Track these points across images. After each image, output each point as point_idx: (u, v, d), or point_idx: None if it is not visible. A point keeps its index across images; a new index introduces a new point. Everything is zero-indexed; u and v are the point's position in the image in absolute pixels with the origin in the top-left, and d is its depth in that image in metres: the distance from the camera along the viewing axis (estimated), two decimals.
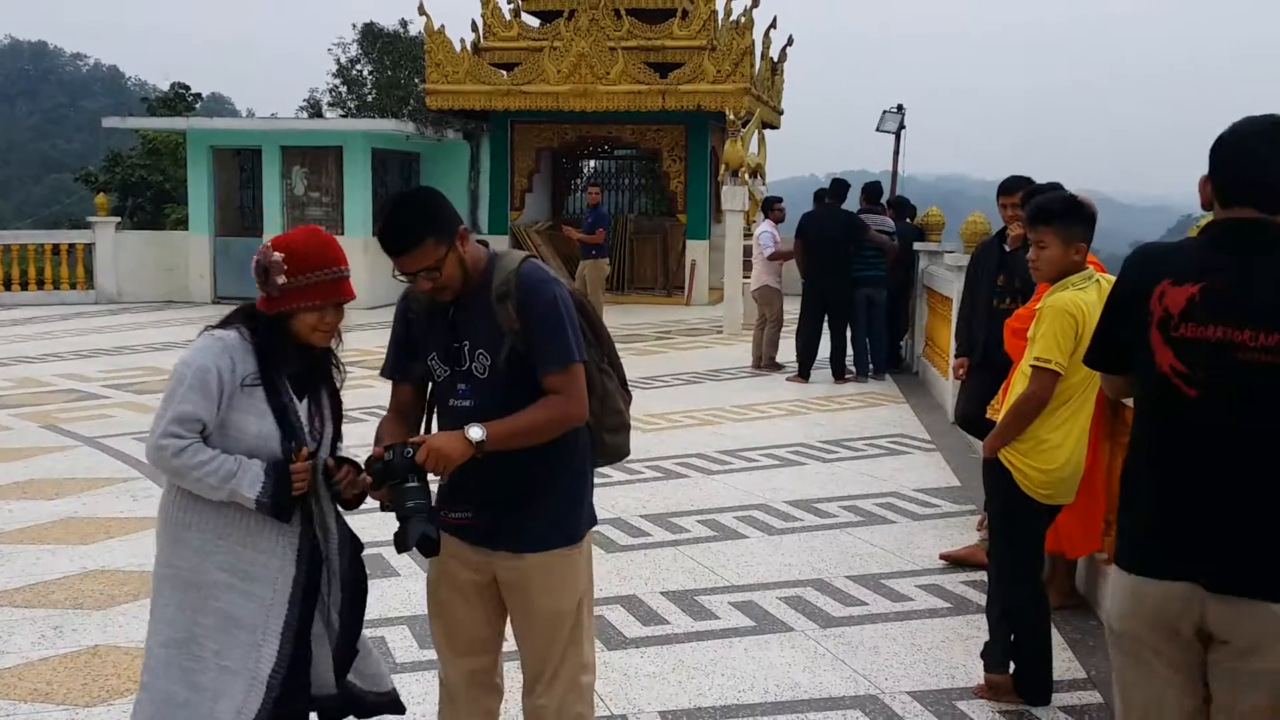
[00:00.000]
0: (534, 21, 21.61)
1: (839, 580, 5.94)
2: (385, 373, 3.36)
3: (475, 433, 3.00)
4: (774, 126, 22.89)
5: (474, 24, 21.21)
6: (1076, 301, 4.29)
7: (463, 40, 20.90)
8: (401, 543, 2.98)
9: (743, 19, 19.90)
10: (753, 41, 19.81)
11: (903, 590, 5.81)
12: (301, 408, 3.22)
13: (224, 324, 3.21)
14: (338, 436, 3.35)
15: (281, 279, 3.09)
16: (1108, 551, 5.49)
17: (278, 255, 3.10)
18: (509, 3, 21.45)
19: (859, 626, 5.30)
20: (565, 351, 3.10)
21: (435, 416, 3.31)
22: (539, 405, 3.08)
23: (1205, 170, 2.77)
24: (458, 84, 20.37)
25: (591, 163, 25.32)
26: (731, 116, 17.82)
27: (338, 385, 3.36)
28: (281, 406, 3.16)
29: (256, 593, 3.15)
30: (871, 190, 13.39)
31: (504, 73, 20.59)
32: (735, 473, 8.33)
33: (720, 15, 20.37)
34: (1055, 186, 5.31)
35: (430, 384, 3.30)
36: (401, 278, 3.10)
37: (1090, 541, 5.42)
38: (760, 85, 20.67)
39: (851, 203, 13.20)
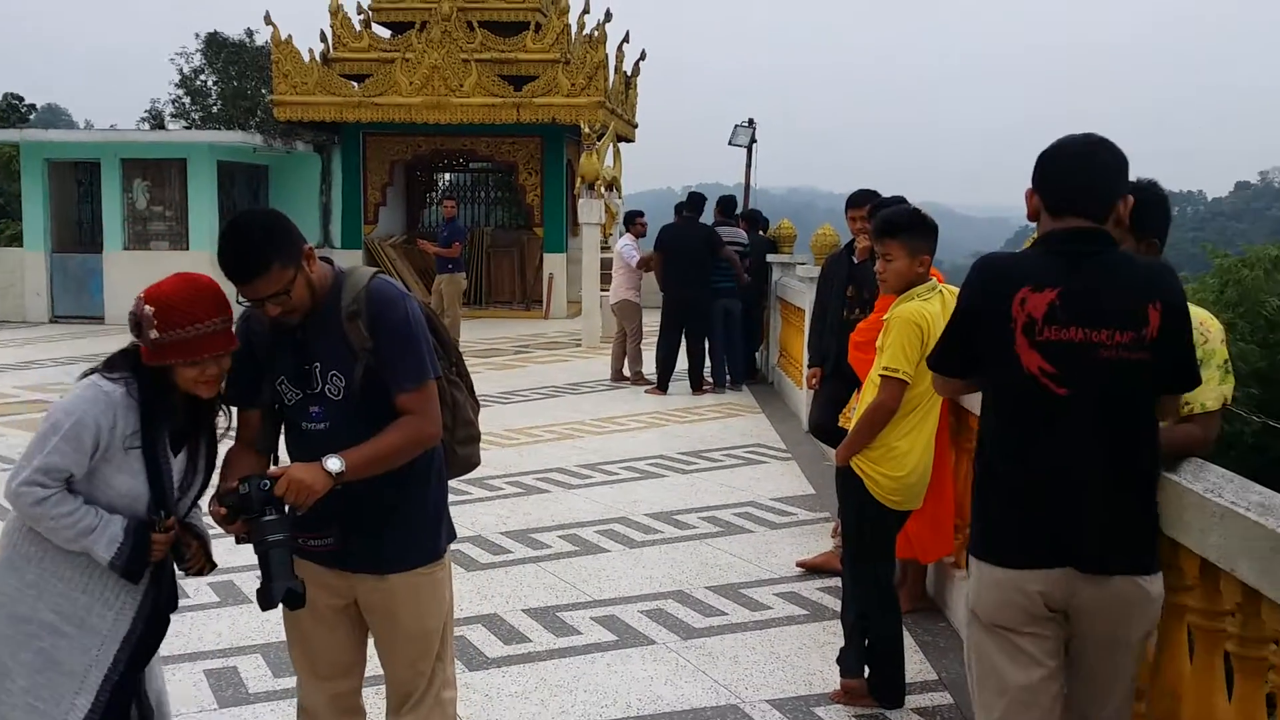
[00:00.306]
0: (385, 33, 21.34)
1: (699, 591, 5.98)
2: (229, 400, 3.21)
3: (334, 464, 2.91)
4: (629, 140, 23.05)
5: (323, 34, 20.83)
6: (922, 312, 4.41)
7: (311, 51, 20.52)
8: (266, 600, 2.87)
9: (595, 33, 20.00)
10: (606, 55, 19.93)
11: (761, 599, 5.88)
12: (177, 462, 3.11)
13: (109, 368, 3.04)
14: (204, 488, 3.23)
15: (154, 334, 2.94)
16: (957, 555, 5.65)
17: (148, 309, 2.94)
18: (359, 14, 21.15)
19: (719, 637, 5.35)
20: (420, 369, 3.05)
21: (287, 441, 3.21)
22: (395, 428, 3.01)
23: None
24: (307, 95, 19.99)
25: (447, 176, 25.09)
26: (586, 130, 17.89)
27: (220, 430, 3.24)
28: (156, 470, 3.04)
29: (85, 642, 3.01)
30: (725, 204, 13.57)
31: (355, 84, 20.27)
32: (595, 486, 8.33)
33: (573, 29, 20.43)
34: (899, 200, 5.47)
35: (279, 408, 3.19)
36: (246, 302, 3.00)
37: (942, 546, 5.57)
38: (614, 99, 20.80)
39: (709, 215, 13.35)
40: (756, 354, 14.12)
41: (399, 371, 3.02)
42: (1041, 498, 2.85)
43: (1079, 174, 2.89)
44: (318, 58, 20.47)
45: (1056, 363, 2.80)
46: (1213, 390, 3.28)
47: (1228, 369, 3.83)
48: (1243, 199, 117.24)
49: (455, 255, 15.27)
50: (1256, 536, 2.79)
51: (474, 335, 16.42)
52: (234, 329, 3.04)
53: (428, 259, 17.57)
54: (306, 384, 3.05)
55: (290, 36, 20.24)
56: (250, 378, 3.14)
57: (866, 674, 4.61)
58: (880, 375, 4.45)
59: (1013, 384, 2.87)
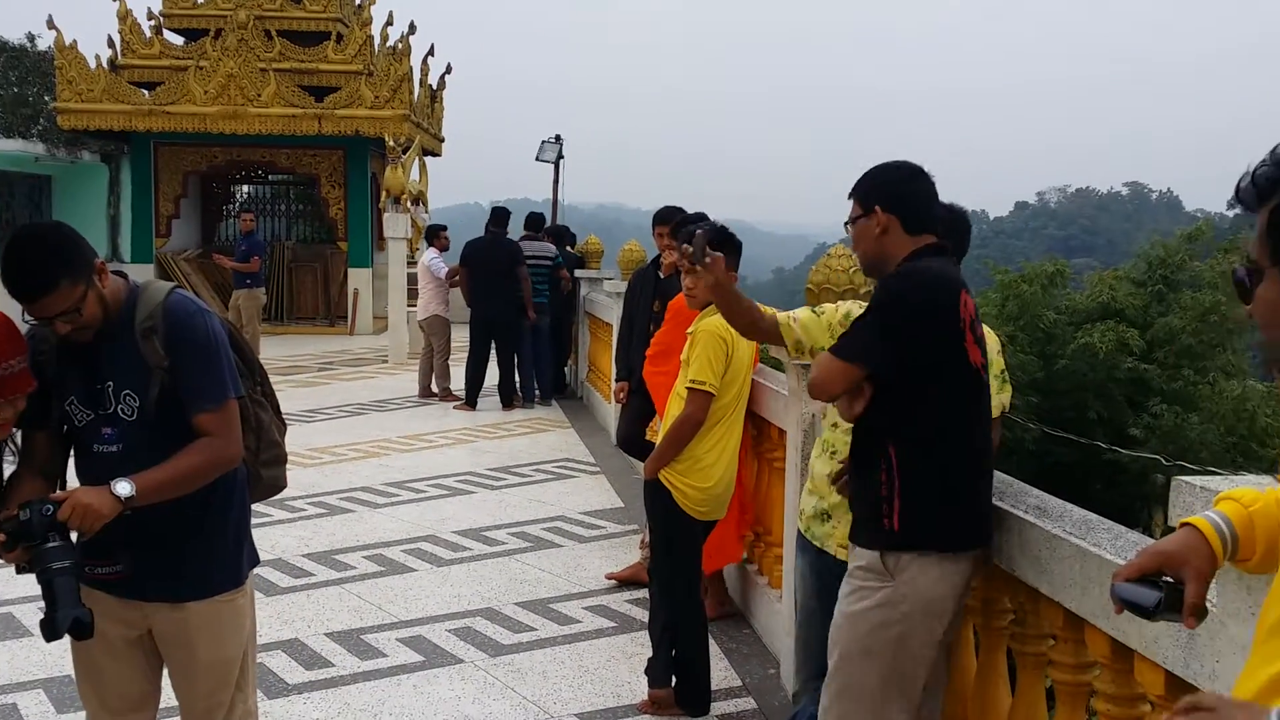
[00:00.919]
0: (178, 40, 20.54)
1: (508, 608, 5.94)
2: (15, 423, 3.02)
3: (123, 488, 2.75)
4: (435, 154, 22.81)
5: (111, 40, 19.90)
6: (726, 325, 4.50)
7: (98, 57, 19.58)
8: (51, 631, 2.69)
9: (400, 46, 19.75)
10: (410, 68, 19.69)
11: (570, 613, 5.89)
12: None
13: None
14: None
15: None
16: (759, 562, 5.78)
17: None
18: (150, 19, 20.28)
19: (528, 653, 5.33)
20: (219, 388, 2.92)
21: (77, 465, 3.03)
22: (192, 450, 2.88)
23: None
24: (93, 103, 19.06)
25: (245, 188, 24.29)
26: (391, 143, 17.63)
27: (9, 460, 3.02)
28: None
29: None
30: (533, 219, 13.54)
31: (146, 92, 19.45)
32: (402, 505, 8.19)
33: (377, 41, 20.11)
34: (702, 217, 5.57)
35: (67, 429, 3.00)
36: (32, 320, 2.83)
37: (730, 553, 5.69)
38: (420, 112, 20.56)
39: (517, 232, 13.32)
40: (565, 369, 14.15)
41: (197, 390, 2.89)
42: (979, 482, 3.09)
43: (933, 198, 3.19)
44: (105, 64, 19.55)
45: (982, 357, 3.08)
46: (992, 399, 3.45)
47: (1005, 378, 4.06)
48: (1021, 218, 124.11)
49: (254, 270, 14.76)
50: (1034, 538, 2.96)
51: (276, 352, 15.95)
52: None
53: (225, 274, 16.96)
54: (98, 404, 2.89)
55: (75, 42, 19.26)
56: (37, 399, 2.93)
57: (674, 683, 4.67)
58: (687, 388, 4.52)
59: (962, 377, 3.04)
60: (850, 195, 3.23)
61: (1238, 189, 1.54)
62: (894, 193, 3.13)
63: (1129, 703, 2.66)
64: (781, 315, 3.72)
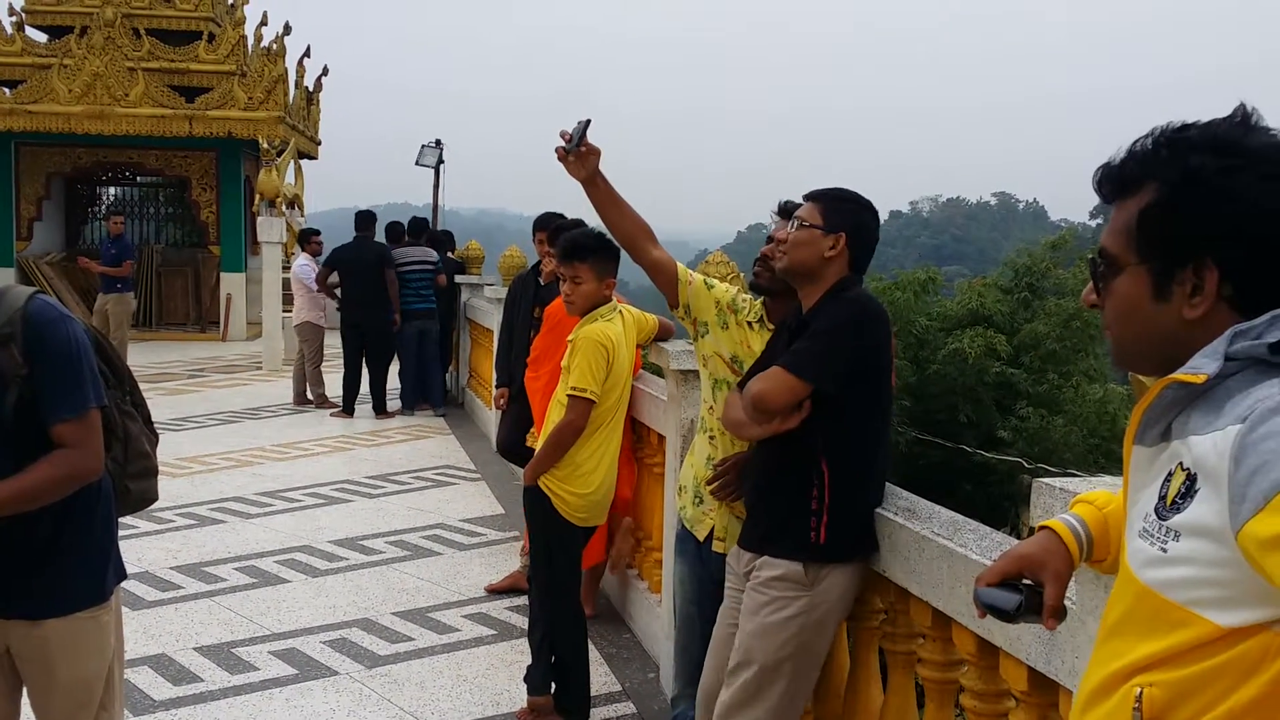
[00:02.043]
0: (41, 37, 19.81)
1: (386, 618, 5.86)
2: None
3: None
4: (311, 156, 22.41)
5: None
6: (606, 332, 4.52)
7: None
8: None
9: (274, 46, 19.35)
10: (285, 69, 19.31)
11: (449, 622, 5.83)
12: None
13: None
14: None
15: None
16: (639, 567, 5.80)
17: None
18: (11, 15, 19.53)
19: (405, 663, 5.26)
20: (79, 397, 2.80)
21: None
22: (46, 463, 2.75)
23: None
24: None
25: (112, 190, 23.48)
26: (265, 145, 17.26)
27: None
28: None
29: None
30: (415, 225, 13.37)
31: (6, 90, 18.71)
32: (276, 515, 8.02)
33: (250, 41, 19.68)
34: (579, 223, 5.58)
35: None
36: None
37: (596, 553, 5.74)
38: (295, 114, 20.17)
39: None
40: (447, 375, 14.00)
41: (57, 400, 2.76)
42: (879, 493, 3.22)
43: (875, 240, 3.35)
44: None
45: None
46: None
47: None
48: (895, 227, 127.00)
49: (126, 274, 14.27)
50: (903, 539, 3.02)
51: (144, 359, 15.47)
52: None
53: (90, 278, 16.37)
54: None
55: None
56: None
57: (553, 690, 4.66)
58: (568, 395, 4.51)
59: (889, 401, 3.22)
60: (812, 201, 3.27)
61: (1097, 179, 1.57)
62: (861, 229, 3.25)
63: (994, 699, 2.74)
64: (682, 267, 3.76)
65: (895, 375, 3.30)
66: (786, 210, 3.58)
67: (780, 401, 3.07)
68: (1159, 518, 1.42)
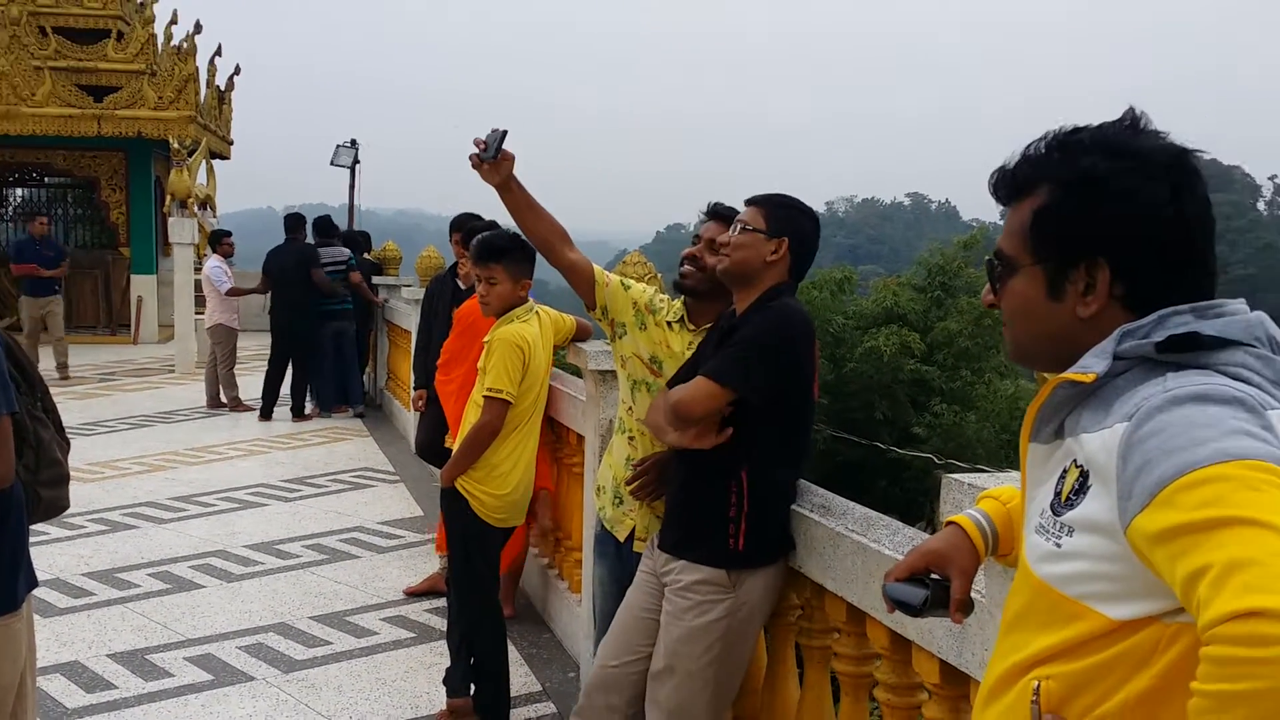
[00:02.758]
0: None
1: (302, 622, 5.80)
2: None
3: None
4: (224, 157, 22.01)
5: None
6: (522, 333, 4.52)
7: None
8: None
9: (185, 45, 18.98)
10: (196, 68, 18.93)
11: (367, 625, 5.78)
12: None
13: None
14: None
15: None
16: (559, 567, 5.81)
17: None
18: None
19: (323, 667, 5.21)
20: None
21: None
22: None
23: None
24: None
25: (19, 190, 22.84)
26: (176, 145, 16.95)
27: None
28: None
29: None
30: (321, 224, 13.19)
31: None
32: (191, 519, 7.88)
33: (160, 40, 19.28)
34: (495, 225, 5.56)
35: None
36: None
37: (515, 554, 5.81)
38: (207, 114, 19.80)
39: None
40: (364, 377, 13.85)
41: None
42: (793, 497, 3.25)
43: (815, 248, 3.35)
44: None
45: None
46: None
47: None
48: None
49: (63, 275, 13.94)
50: (819, 536, 3.07)
51: (53, 363, 15.08)
52: None
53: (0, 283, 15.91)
54: None
55: None
56: None
57: (473, 692, 4.65)
58: (484, 396, 4.51)
59: (808, 412, 3.24)
60: (754, 205, 3.29)
61: (993, 182, 1.61)
62: (804, 237, 3.27)
63: (907, 691, 2.79)
64: (598, 269, 3.77)
65: (818, 385, 3.33)
66: (717, 212, 3.60)
67: (701, 409, 3.09)
68: (1054, 513, 1.46)
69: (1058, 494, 1.47)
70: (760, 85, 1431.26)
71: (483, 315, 4.85)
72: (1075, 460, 1.45)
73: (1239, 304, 1.47)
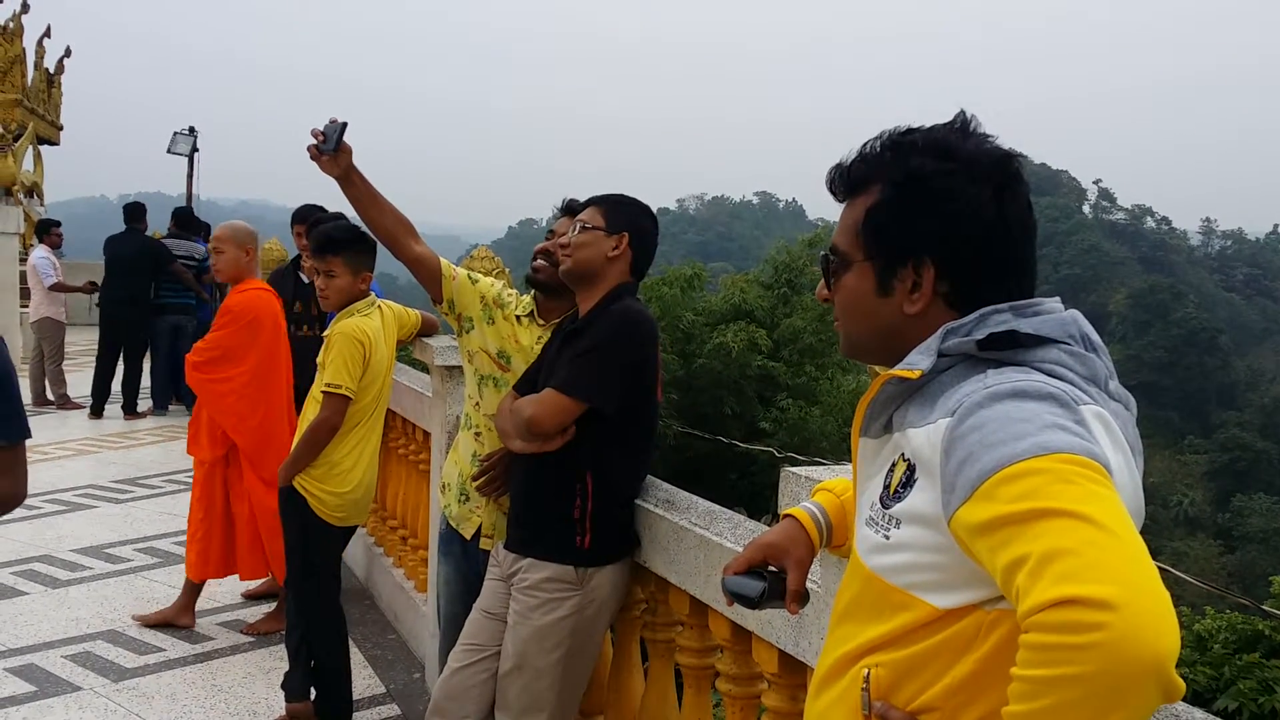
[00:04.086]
0: None
1: (133, 629, 5.57)
2: None
3: None
4: (53, 142, 21.03)
5: None
6: (363, 327, 4.43)
7: None
8: None
9: (11, 25, 18.09)
10: (24, 50, 18.07)
11: (203, 630, 5.59)
12: None
13: None
14: None
15: None
16: (404, 565, 5.72)
17: None
18: None
19: (155, 675, 5.01)
20: (16, 426, 2.59)
21: None
22: None
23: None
24: None
25: None
26: (1, 129, 16.12)
27: None
28: None
29: None
30: (183, 217, 12.72)
31: None
32: (12, 523, 7.47)
33: None
34: (339, 216, 5.44)
35: None
36: None
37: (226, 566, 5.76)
38: (35, 98, 18.90)
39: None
40: None
41: None
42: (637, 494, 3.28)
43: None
44: None
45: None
46: None
47: None
48: (663, 224, 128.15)
49: None
50: (663, 530, 3.09)
51: None
52: None
53: None
54: None
55: None
56: None
57: (313, 696, 4.53)
58: (322, 392, 4.40)
59: (652, 415, 3.26)
60: (593, 205, 3.29)
61: (830, 180, 1.64)
62: (644, 234, 3.30)
63: (748, 681, 2.83)
64: (445, 262, 3.73)
65: (661, 389, 3.35)
66: (571, 209, 3.60)
67: (554, 424, 3.10)
68: (883, 506, 1.50)
69: (886, 487, 1.51)
70: (627, 85, 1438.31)
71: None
72: (903, 454, 1.49)
73: (1054, 302, 1.52)
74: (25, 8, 18.57)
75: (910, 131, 1.57)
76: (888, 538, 1.48)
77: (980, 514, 1.28)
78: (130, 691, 4.83)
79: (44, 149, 19.34)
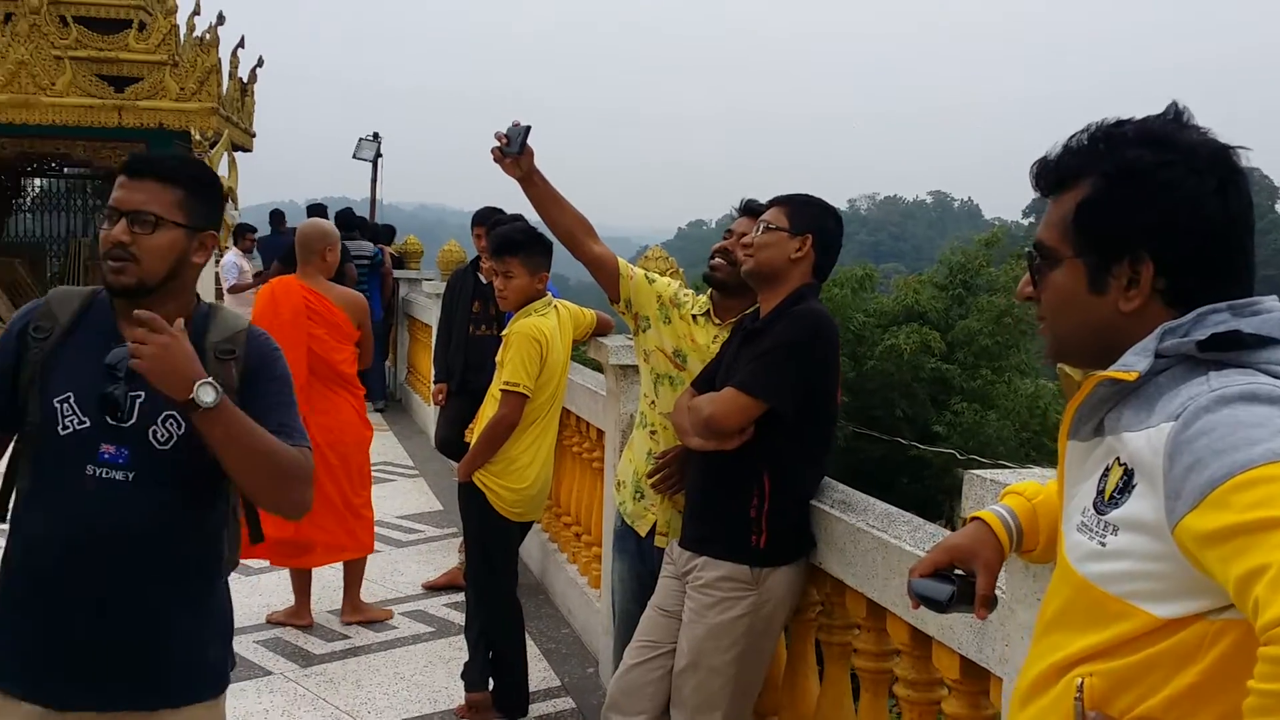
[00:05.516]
0: None
1: (321, 616, 5.80)
2: None
3: (208, 392, 2.13)
4: (246, 149, 22.07)
5: None
6: (540, 327, 4.52)
7: None
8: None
9: (207, 36, 19.05)
10: (219, 60, 19.00)
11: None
12: None
13: None
14: None
15: None
16: (578, 562, 5.80)
17: None
18: None
19: (341, 661, 5.21)
20: (302, 433, 2.41)
21: (33, 491, 2.33)
22: (289, 447, 2.31)
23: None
24: None
25: (37, 181, 22.99)
26: (198, 136, 17.02)
27: None
28: None
29: None
30: (345, 217, 13.23)
31: None
32: None
33: (182, 31, 19.36)
34: (518, 218, 5.56)
35: (27, 434, 2.33)
36: (104, 225, 2.28)
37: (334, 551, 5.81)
38: (229, 106, 19.87)
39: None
40: (385, 371, 13.88)
41: (284, 434, 2.33)
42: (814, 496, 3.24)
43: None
44: None
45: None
46: None
47: None
48: None
49: None
50: (839, 532, 3.05)
51: None
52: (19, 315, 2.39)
53: (15, 272, 15.97)
54: (109, 411, 2.22)
55: None
56: (8, 386, 2.32)
57: (491, 686, 4.64)
58: (501, 390, 4.50)
59: (831, 417, 3.26)
60: (777, 205, 3.29)
61: (1034, 174, 1.58)
62: (828, 235, 3.28)
63: (927, 687, 2.78)
64: (623, 262, 3.76)
65: (841, 390, 3.32)
66: (750, 208, 3.60)
67: (734, 423, 3.10)
68: (1097, 512, 1.45)
69: (1100, 492, 1.45)
70: (780, 82, 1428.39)
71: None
72: (1118, 458, 1.43)
73: (1274, 301, 1.45)
74: (221, 20, 19.52)
75: (1121, 123, 1.51)
76: (1103, 544, 1.42)
77: (1210, 522, 1.23)
78: (317, 677, 5.03)
79: (238, 155, 20.30)
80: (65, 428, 2.27)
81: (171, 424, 2.29)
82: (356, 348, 5.74)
